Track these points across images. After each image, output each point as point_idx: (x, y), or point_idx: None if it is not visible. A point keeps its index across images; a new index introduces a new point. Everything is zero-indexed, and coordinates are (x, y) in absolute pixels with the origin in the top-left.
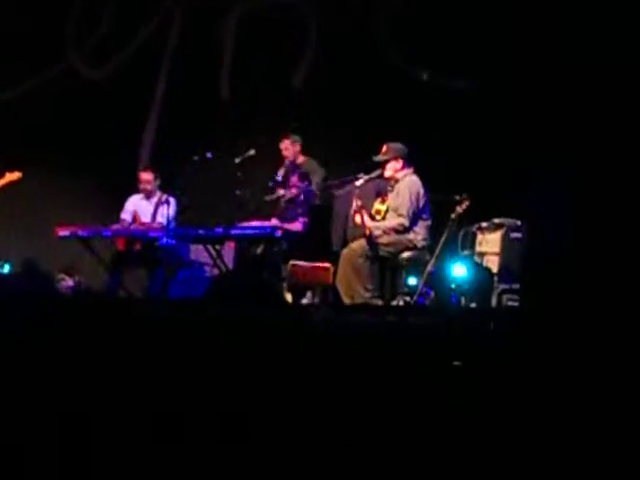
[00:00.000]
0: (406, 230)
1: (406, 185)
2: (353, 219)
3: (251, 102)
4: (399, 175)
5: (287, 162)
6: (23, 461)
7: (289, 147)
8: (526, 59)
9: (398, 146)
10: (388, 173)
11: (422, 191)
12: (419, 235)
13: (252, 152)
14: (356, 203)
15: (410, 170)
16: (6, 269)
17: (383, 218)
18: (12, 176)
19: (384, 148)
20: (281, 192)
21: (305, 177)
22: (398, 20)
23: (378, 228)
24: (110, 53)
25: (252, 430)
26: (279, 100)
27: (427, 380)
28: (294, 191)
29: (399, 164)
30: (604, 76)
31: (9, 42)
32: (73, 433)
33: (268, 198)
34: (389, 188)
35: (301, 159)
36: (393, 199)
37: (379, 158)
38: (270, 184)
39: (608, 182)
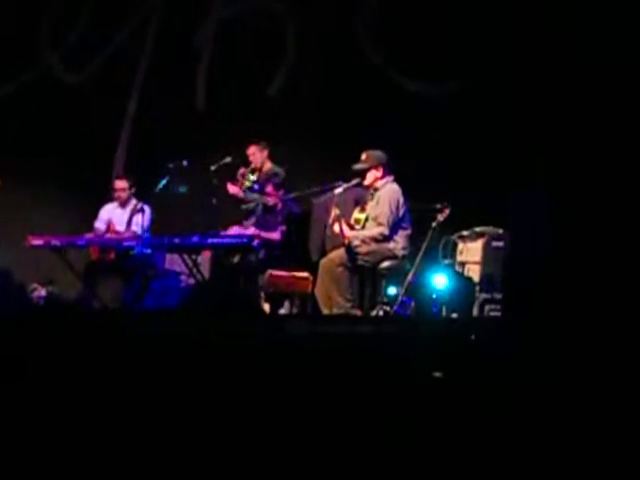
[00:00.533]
0: (386, 239)
1: (386, 193)
2: (331, 228)
3: (227, 110)
4: (379, 184)
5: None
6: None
7: (256, 153)
8: (508, 63)
9: (378, 154)
10: (368, 181)
11: (402, 200)
12: (399, 244)
13: (228, 159)
14: (334, 212)
15: (390, 178)
16: None
17: (362, 227)
18: None
19: (364, 156)
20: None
21: (281, 186)
22: (380, 24)
23: (357, 237)
24: (85, 58)
25: (229, 440)
26: (255, 108)
27: (406, 391)
28: (272, 200)
29: (379, 172)
30: (583, 80)
31: None
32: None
33: (244, 207)
34: (369, 196)
35: (268, 166)
36: (373, 208)
37: (359, 167)
38: (247, 196)
39: (590, 188)
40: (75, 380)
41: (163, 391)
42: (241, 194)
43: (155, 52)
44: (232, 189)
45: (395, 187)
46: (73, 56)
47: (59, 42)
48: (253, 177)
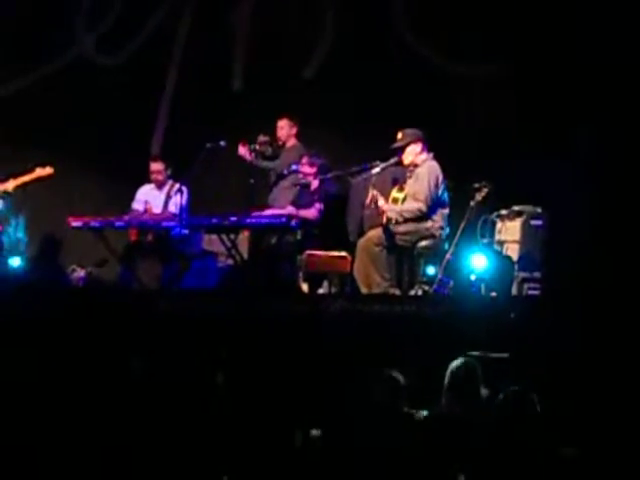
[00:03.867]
0: (423, 217)
1: (426, 170)
2: (369, 208)
3: (264, 90)
4: (418, 159)
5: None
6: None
7: (285, 127)
8: (552, 43)
9: (413, 130)
10: (408, 158)
11: (442, 178)
12: (437, 223)
13: (223, 143)
14: (372, 192)
15: (430, 155)
16: (18, 262)
17: None
18: (43, 172)
19: (399, 135)
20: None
21: (315, 163)
22: (418, 6)
23: (394, 211)
24: (121, 40)
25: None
26: (292, 89)
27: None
28: (302, 176)
29: (418, 147)
30: (626, 68)
31: (21, 31)
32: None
33: (252, 180)
34: (408, 174)
35: (292, 142)
36: (411, 185)
37: (397, 145)
38: (285, 172)
39: (630, 167)
40: (115, 360)
41: (202, 370)
42: (249, 157)
43: (191, 33)
44: (241, 150)
45: (435, 164)
46: (109, 39)
47: (95, 25)
48: (269, 148)
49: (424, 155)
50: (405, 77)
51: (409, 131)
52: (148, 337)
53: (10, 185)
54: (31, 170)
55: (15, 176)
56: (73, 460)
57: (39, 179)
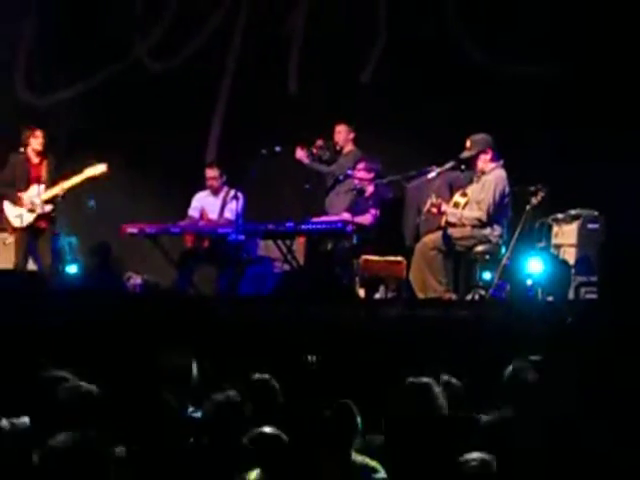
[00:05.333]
0: (482, 225)
1: (493, 180)
2: (427, 212)
3: (319, 94)
4: (488, 167)
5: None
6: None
7: (343, 132)
8: (611, 44)
9: (482, 137)
10: (480, 167)
11: (508, 189)
12: (495, 231)
13: (278, 149)
14: (431, 201)
15: (499, 163)
16: (75, 268)
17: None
18: (95, 170)
19: (468, 143)
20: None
21: (372, 169)
22: (473, 8)
23: (454, 215)
24: (176, 46)
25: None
26: (347, 93)
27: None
28: (358, 182)
29: (488, 155)
30: None
31: (75, 37)
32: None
33: (307, 186)
34: (475, 178)
35: (349, 147)
36: (477, 191)
37: (466, 155)
38: (341, 177)
39: None
40: (172, 366)
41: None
42: (306, 160)
43: (246, 38)
44: (299, 153)
45: (502, 174)
46: (163, 45)
47: (148, 31)
48: (327, 152)
49: (494, 163)
50: (460, 79)
51: (478, 139)
52: (206, 343)
53: (59, 189)
54: (80, 171)
55: (64, 179)
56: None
57: (91, 179)
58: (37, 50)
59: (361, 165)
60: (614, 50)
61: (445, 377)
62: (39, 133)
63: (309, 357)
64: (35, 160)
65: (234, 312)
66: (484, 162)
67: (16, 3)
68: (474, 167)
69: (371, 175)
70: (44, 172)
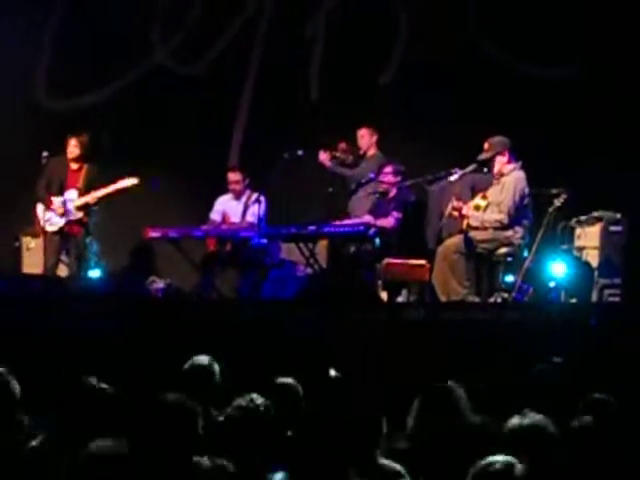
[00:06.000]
0: (504, 227)
1: (512, 181)
2: (449, 216)
3: (341, 98)
4: (505, 169)
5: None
6: None
7: (366, 136)
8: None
9: (500, 139)
10: (496, 169)
11: (527, 190)
12: (517, 233)
13: (300, 152)
14: (452, 204)
15: (517, 165)
16: (98, 273)
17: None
18: (127, 183)
19: (486, 145)
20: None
21: (399, 172)
22: (491, 9)
23: (476, 219)
24: (197, 51)
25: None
26: (369, 97)
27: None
28: (385, 185)
29: (505, 158)
30: None
31: (100, 41)
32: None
33: (330, 189)
34: (494, 181)
35: (372, 151)
36: (497, 194)
37: (483, 157)
38: (364, 180)
39: None
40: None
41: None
42: (328, 163)
43: (267, 43)
44: (322, 156)
45: (521, 175)
46: (187, 49)
47: (173, 35)
48: (350, 156)
49: (511, 165)
50: (480, 80)
51: (495, 141)
52: (228, 347)
53: (91, 197)
54: (113, 181)
55: (96, 188)
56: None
57: (123, 190)
58: (60, 54)
59: (388, 169)
60: (635, 50)
61: (468, 380)
62: (73, 141)
63: (331, 371)
64: (74, 166)
65: (257, 315)
66: (501, 164)
67: (39, 7)
68: (492, 169)
69: (398, 178)
70: (82, 179)
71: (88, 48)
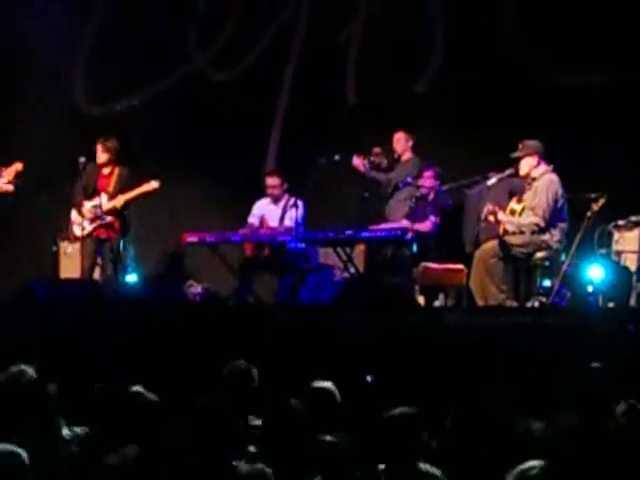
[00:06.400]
0: (541, 231)
1: (544, 184)
2: (485, 220)
3: (377, 103)
4: (535, 173)
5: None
6: None
7: (401, 140)
8: None
9: (533, 142)
10: (523, 170)
11: (561, 191)
12: (554, 237)
13: (337, 157)
14: (487, 208)
15: (549, 168)
16: (135, 277)
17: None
18: (148, 187)
19: (520, 146)
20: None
21: (439, 177)
22: (527, 17)
23: (512, 223)
24: (235, 56)
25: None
26: (405, 102)
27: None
28: (425, 189)
29: (534, 160)
30: None
31: (135, 47)
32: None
33: (366, 194)
34: (527, 186)
35: (408, 155)
36: (530, 198)
37: (515, 155)
38: (401, 185)
39: None
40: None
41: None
42: (362, 168)
43: (304, 48)
44: (356, 161)
45: (554, 178)
46: (223, 54)
47: (209, 41)
48: (385, 160)
49: (541, 168)
50: (517, 87)
51: (528, 143)
52: (266, 351)
53: (118, 201)
54: (138, 185)
55: (123, 192)
56: None
57: (146, 194)
58: (96, 59)
59: (429, 172)
60: None
61: (505, 384)
62: (99, 147)
63: (367, 377)
64: (105, 171)
65: (294, 320)
66: (530, 167)
67: (76, 11)
68: (519, 173)
69: (437, 182)
70: (112, 183)
71: (126, 53)
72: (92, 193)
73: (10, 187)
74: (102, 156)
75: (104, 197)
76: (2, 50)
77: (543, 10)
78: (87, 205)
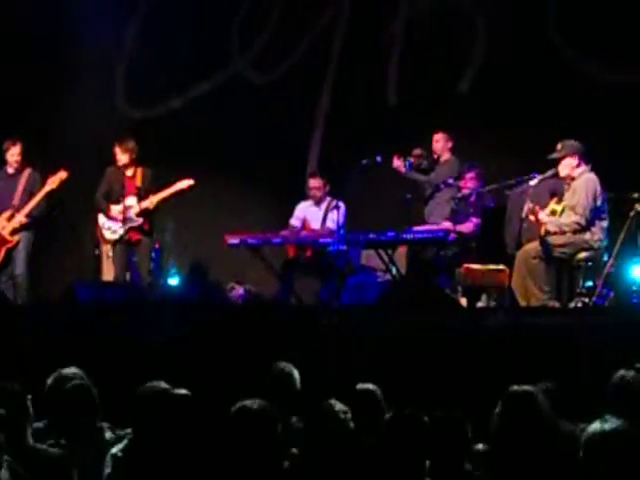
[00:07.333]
0: (582, 229)
1: (583, 183)
2: (527, 220)
3: (419, 105)
4: (575, 173)
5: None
6: None
7: (441, 140)
8: None
9: (573, 143)
10: (564, 171)
11: (600, 189)
12: (595, 235)
13: (379, 158)
14: (528, 206)
15: (587, 168)
16: (176, 280)
17: None
18: (182, 185)
19: (559, 146)
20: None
21: (482, 177)
22: (572, 13)
23: (553, 224)
24: (277, 58)
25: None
26: (447, 103)
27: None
28: (467, 190)
29: (575, 161)
30: None
31: (177, 49)
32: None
33: (408, 196)
34: (565, 187)
35: (446, 156)
36: (569, 198)
37: (553, 156)
38: (442, 186)
39: None
40: (275, 376)
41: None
42: (402, 169)
43: (345, 50)
44: (396, 162)
45: (592, 176)
46: (264, 57)
47: (250, 43)
48: (425, 161)
49: (581, 168)
50: (560, 86)
51: (568, 143)
52: (308, 353)
53: (149, 202)
54: (171, 184)
55: (155, 192)
56: None
57: (179, 192)
58: (137, 61)
59: (471, 173)
60: None
61: (549, 385)
62: (117, 149)
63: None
64: (128, 173)
65: (336, 322)
66: (570, 167)
67: (117, 13)
68: (559, 174)
69: (480, 183)
70: (139, 184)
71: (166, 56)
72: (119, 196)
73: (54, 193)
74: (122, 158)
75: (133, 199)
76: (48, 50)
77: (587, 6)
78: (115, 209)
